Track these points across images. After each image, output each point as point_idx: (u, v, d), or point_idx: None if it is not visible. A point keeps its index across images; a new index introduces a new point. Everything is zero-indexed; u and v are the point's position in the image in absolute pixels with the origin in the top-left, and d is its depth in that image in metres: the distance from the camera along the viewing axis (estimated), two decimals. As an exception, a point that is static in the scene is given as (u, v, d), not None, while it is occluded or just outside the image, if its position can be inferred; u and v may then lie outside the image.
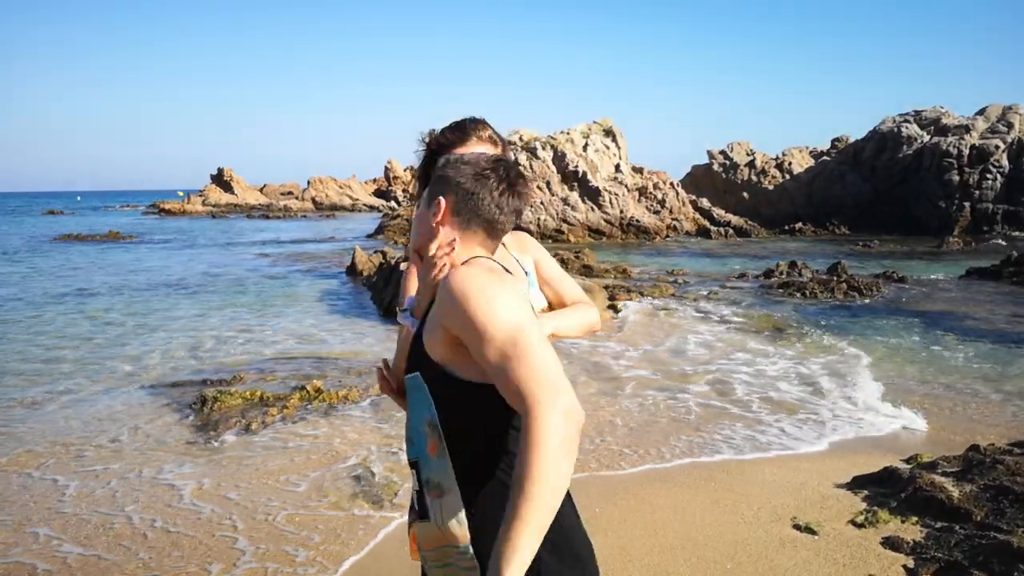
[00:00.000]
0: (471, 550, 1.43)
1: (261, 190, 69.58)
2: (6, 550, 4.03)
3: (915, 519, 4.08)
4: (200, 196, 65.28)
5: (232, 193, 66.11)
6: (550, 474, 1.20)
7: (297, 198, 67.52)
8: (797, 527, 4.07)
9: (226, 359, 8.79)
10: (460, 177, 1.54)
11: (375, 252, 17.49)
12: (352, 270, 17.14)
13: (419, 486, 1.51)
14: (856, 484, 4.72)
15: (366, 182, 75.30)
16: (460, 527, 1.44)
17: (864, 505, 4.37)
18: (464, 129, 1.90)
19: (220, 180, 67.48)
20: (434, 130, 1.93)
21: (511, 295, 1.38)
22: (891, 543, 3.82)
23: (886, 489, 4.54)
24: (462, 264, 1.50)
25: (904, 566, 3.59)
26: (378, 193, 70.80)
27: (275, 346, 9.56)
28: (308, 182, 69.70)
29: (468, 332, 1.36)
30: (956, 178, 32.04)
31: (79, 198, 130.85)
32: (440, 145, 1.89)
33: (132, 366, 8.48)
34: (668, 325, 11.11)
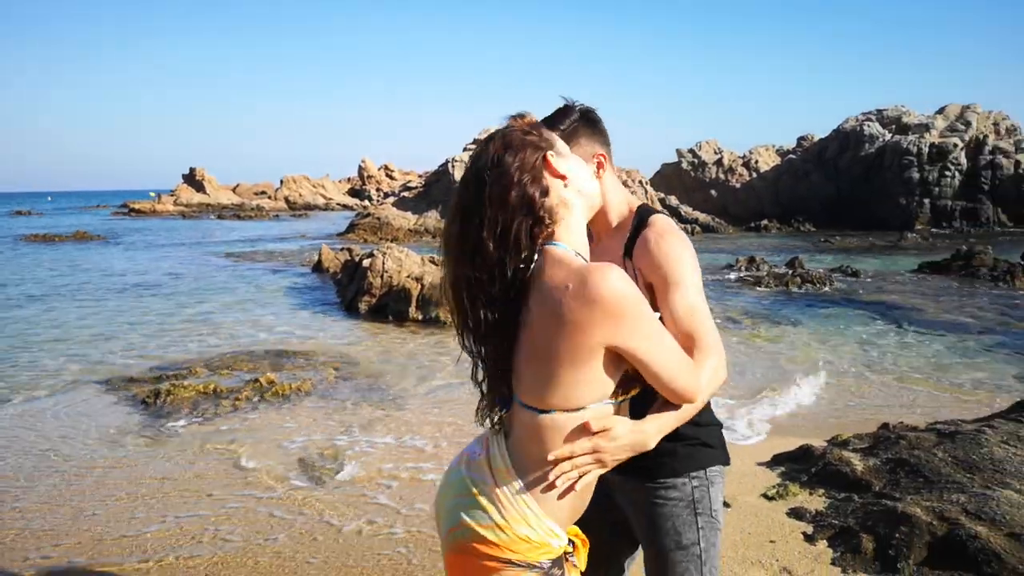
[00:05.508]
0: None
1: (234, 190, 69.09)
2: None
3: (822, 491, 4.35)
4: (172, 196, 64.65)
5: (204, 193, 65.55)
6: None
7: (270, 198, 67.16)
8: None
9: (183, 354, 8.89)
10: None
11: (342, 249, 17.61)
12: (319, 268, 17.26)
13: None
14: (775, 462, 5.00)
15: (340, 181, 75.11)
16: None
17: (778, 480, 4.63)
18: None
19: (192, 180, 66.87)
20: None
21: None
22: (795, 513, 4.09)
23: (800, 465, 4.82)
24: None
25: (803, 533, 3.86)
26: (352, 192, 70.66)
27: (234, 341, 9.68)
28: (281, 181, 69.37)
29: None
30: (916, 176, 32.79)
31: (50, 198, 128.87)
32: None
33: (86, 363, 8.57)
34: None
